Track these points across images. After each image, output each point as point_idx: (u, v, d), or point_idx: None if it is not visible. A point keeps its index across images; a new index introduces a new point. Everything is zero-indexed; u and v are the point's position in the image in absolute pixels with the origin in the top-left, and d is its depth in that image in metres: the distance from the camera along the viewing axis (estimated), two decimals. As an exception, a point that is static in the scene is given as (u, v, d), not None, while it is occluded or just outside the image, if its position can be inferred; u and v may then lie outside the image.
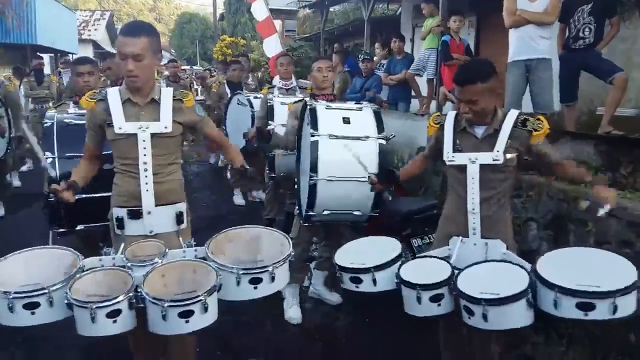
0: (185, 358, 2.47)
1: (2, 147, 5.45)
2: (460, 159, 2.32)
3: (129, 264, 2.04)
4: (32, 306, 1.86)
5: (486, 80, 2.20)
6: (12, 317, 1.86)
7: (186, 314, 1.82)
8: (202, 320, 1.85)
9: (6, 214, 5.89)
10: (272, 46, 9.53)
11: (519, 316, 1.93)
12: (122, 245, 2.21)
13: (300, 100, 3.77)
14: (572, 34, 4.37)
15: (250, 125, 5.28)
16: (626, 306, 1.80)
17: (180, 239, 2.36)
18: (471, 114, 2.27)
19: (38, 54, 9.82)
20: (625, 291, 1.78)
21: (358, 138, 2.98)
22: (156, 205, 2.32)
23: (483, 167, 2.27)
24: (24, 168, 8.01)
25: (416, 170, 2.72)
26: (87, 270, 2.01)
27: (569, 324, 2.87)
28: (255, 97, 5.44)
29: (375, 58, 7.52)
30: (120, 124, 2.27)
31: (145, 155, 2.28)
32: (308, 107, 3.11)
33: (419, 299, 2.11)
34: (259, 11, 9.79)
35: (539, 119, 2.27)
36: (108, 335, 1.87)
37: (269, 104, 4.64)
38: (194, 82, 11.57)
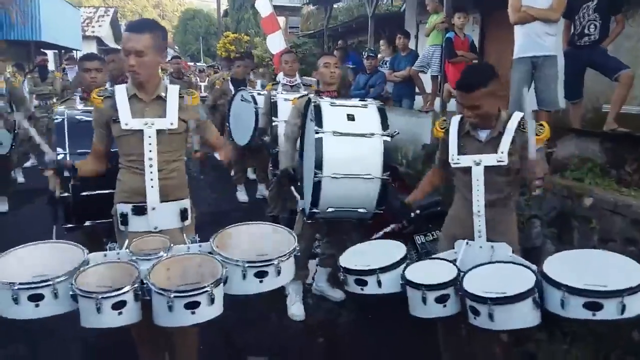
0: (189, 353, 2.47)
1: (7, 143, 5.47)
2: (465, 161, 2.32)
3: (134, 258, 2.05)
4: (36, 298, 1.87)
5: (487, 84, 2.20)
6: (16, 309, 1.86)
7: (192, 305, 1.82)
8: (209, 312, 1.85)
9: (10, 210, 5.91)
10: (275, 43, 9.52)
11: (525, 316, 1.92)
12: (126, 241, 2.22)
13: (304, 96, 3.76)
14: (577, 30, 4.34)
15: (253, 121, 5.29)
16: (635, 306, 1.79)
17: (184, 235, 2.36)
18: (476, 119, 2.27)
19: (42, 50, 9.84)
20: (633, 290, 1.77)
21: (363, 135, 2.97)
22: (161, 202, 2.32)
23: (488, 169, 2.27)
24: (27, 164, 8.03)
25: (431, 186, 2.68)
26: (92, 264, 2.02)
27: (573, 322, 2.86)
28: (259, 94, 5.44)
29: (380, 55, 7.48)
30: (127, 120, 2.28)
31: (150, 151, 2.29)
32: (312, 103, 3.10)
33: (424, 300, 2.10)
34: (263, 7, 9.78)
35: (541, 124, 2.26)
36: (112, 328, 1.87)
37: (272, 100, 4.64)
38: (198, 79, 11.56)
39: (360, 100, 3.40)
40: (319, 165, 2.91)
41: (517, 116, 2.30)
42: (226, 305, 3.52)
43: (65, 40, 19.64)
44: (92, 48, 23.83)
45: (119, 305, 1.84)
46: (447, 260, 2.28)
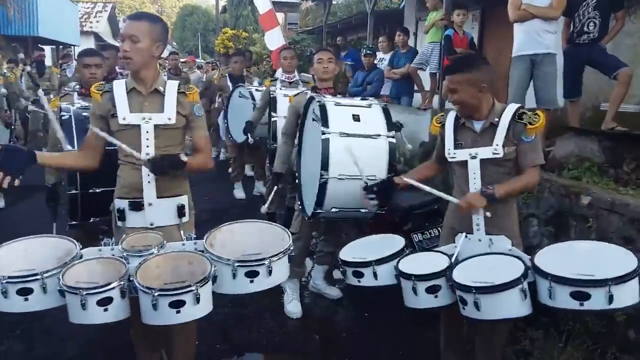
0: (187, 350, 2.46)
1: (5, 139, 5.46)
2: (461, 155, 2.33)
3: (124, 254, 2.04)
4: (25, 292, 1.86)
5: (468, 71, 2.23)
6: (5, 303, 1.86)
7: (177, 304, 1.79)
8: (194, 311, 1.82)
9: (6, 206, 5.90)
10: (274, 39, 9.48)
11: (512, 306, 1.92)
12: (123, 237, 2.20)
13: (300, 93, 3.74)
14: (577, 28, 4.33)
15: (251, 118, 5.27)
16: (624, 297, 1.78)
17: (182, 232, 2.34)
18: (455, 105, 2.31)
19: (39, 45, 9.80)
20: (620, 280, 1.76)
21: (369, 136, 2.96)
22: (158, 198, 2.31)
23: (484, 162, 2.27)
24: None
25: (428, 174, 2.68)
26: (89, 258, 2.01)
27: (569, 320, 2.86)
28: (257, 90, 5.43)
29: (379, 53, 7.45)
30: (125, 114, 2.27)
31: (148, 146, 2.27)
32: (317, 103, 3.07)
33: (415, 290, 2.13)
34: (262, 4, 9.73)
35: (536, 114, 2.26)
36: (99, 324, 1.86)
37: (271, 96, 4.63)
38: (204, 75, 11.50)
39: (362, 99, 3.38)
40: (325, 166, 2.89)
41: (512, 107, 2.30)
42: (223, 302, 3.53)
43: (63, 36, 19.59)
44: (89, 44, 23.75)
45: (104, 302, 1.83)
46: (442, 253, 2.29)
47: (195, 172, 2.41)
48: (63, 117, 2.90)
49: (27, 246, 2.08)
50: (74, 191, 2.82)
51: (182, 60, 11.67)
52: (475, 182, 2.28)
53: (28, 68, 8.52)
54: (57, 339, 3.08)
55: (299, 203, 3.40)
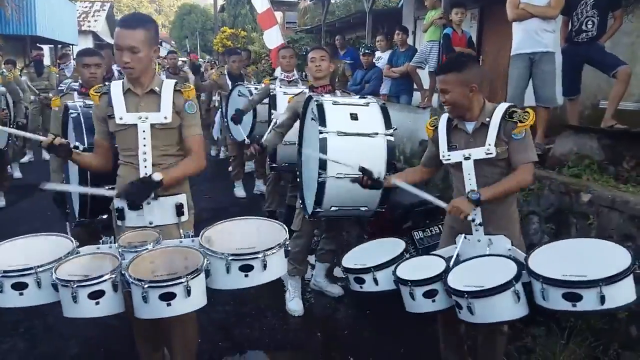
0: (188, 347, 2.47)
1: (4, 137, 5.45)
2: (455, 156, 2.35)
3: (120, 250, 2.04)
4: (20, 286, 1.87)
5: (459, 71, 2.24)
6: (1, 297, 1.88)
7: (167, 297, 1.78)
8: (185, 304, 1.81)
9: (7, 205, 5.89)
10: (272, 38, 9.48)
11: (505, 309, 1.92)
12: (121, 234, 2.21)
13: (300, 93, 3.75)
14: (575, 27, 4.34)
15: (251, 116, 5.28)
16: (616, 296, 1.77)
17: (181, 231, 2.35)
18: (446, 105, 2.32)
19: (38, 45, 9.78)
20: (611, 280, 1.75)
21: (367, 135, 2.97)
22: (156, 197, 2.31)
23: (478, 163, 2.29)
24: (24, 159, 8.00)
25: (417, 178, 2.70)
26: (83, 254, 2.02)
27: (570, 317, 2.87)
28: (256, 89, 5.43)
29: (377, 52, 7.46)
30: (121, 114, 2.29)
31: (145, 145, 2.28)
32: (315, 102, 3.08)
33: (412, 295, 2.15)
34: (259, 3, 9.73)
35: (526, 112, 2.27)
36: (91, 317, 1.88)
37: (271, 94, 4.64)
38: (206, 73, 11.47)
39: (360, 97, 3.39)
40: (323, 165, 2.91)
41: (503, 106, 2.31)
42: (224, 300, 3.54)
43: (61, 35, 19.54)
44: (88, 43, 23.72)
45: (96, 295, 1.83)
46: (439, 256, 2.31)
47: (185, 178, 2.39)
48: (72, 116, 2.91)
49: (27, 244, 2.09)
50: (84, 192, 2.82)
51: (181, 59, 11.67)
52: (470, 183, 2.29)
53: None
54: (60, 337, 3.09)
55: (300, 201, 3.41)
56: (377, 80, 6.92)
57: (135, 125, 2.28)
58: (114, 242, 2.16)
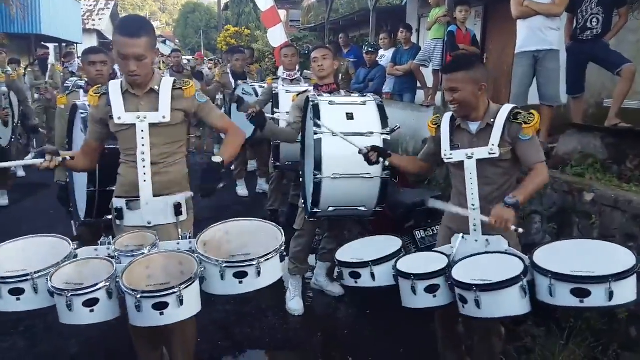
0: (187, 347, 2.47)
1: (7, 136, 5.47)
2: (457, 155, 2.33)
3: (116, 254, 2.04)
4: (17, 292, 1.88)
5: (468, 69, 2.23)
6: None
7: (160, 306, 1.78)
8: (178, 313, 1.81)
9: (10, 204, 5.91)
10: (276, 36, 9.48)
11: (512, 304, 1.92)
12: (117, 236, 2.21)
13: (304, 92, 3.73)
14: (580, 24, 4.31)
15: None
16: (624, 293, 1.78)
17: (180, 230, 2.34)
18: (454, 104, 2.28)
19: (43, 43, 9.82)
20: (620, 276, 1.76)
21: (362, 134, 2.96)
22: (154, 196, 2.31)
23: (480, 162, 2.27)
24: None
25: (411, 166, 2.70)
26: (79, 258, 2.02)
27: (570, 317, 2.86)
28: (261, 87, 5.42)
29: (380, 50, 7.43)
30: (120, 114, 2.28)
31: (143, 145, 2.28)
32: (311, 102, 3.07)
33: (413, 289, 2.13)
34: (263, 1, 9.73)
35: (531, 113, 2.26)
36: (86, 325, 1.88)
37: (274, 92, 4.63)
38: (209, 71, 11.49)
39: (359, 95, 3.37)
40: (318, 166, 2.90)
41: (507, 107, 2.30)
42: (225, 300, 3.53)
43: (65, 34, 19.58)
44: (92, 41, 23.79)
45: (90, 303, 1.83)
46: (440, 252, 2.30)
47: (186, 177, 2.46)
48: (81, 115, 2.92)
49: (25, 246, 2.09)
50: (92, 189, 2.83)
51: (186, 58, 11.68)
52: (472, 183, 2.27)
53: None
54: (60, 336, 3.09)
55: (303, 201, 3.41)
56: (380, 79, 6.89)
57: (134, 125, 2.28)
58: (113, 242, 2.15)
